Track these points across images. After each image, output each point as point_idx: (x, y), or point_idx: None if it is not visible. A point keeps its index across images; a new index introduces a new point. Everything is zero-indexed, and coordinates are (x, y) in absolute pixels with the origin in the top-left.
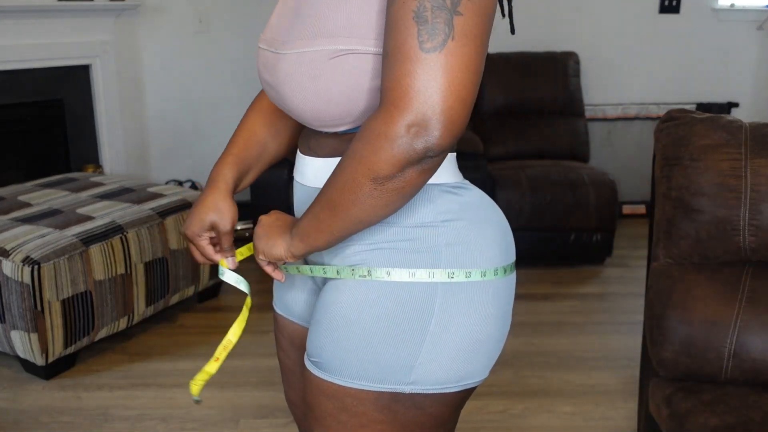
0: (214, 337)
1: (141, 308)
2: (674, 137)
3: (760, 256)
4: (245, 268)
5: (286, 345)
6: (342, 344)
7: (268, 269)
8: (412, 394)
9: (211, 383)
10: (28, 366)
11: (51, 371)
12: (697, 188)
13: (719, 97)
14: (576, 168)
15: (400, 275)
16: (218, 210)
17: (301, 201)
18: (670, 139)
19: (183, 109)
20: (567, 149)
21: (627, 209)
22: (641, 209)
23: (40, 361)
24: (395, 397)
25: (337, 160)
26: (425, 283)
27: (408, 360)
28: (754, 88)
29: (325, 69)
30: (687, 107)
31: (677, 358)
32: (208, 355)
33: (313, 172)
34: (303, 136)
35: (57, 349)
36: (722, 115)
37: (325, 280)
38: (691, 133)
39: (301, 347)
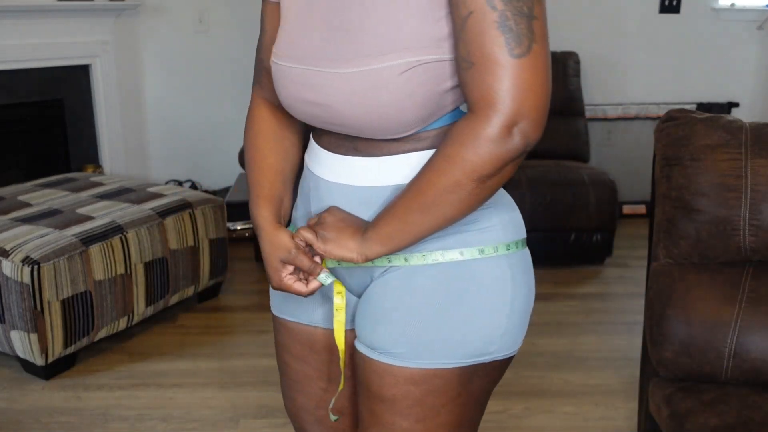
0: (214, 337)
1: (141, 308)
2: (674, 137)
3: (760, 256)
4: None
5: (301, 352)
6: (427, 328)
7: (298, 286)
8: (490, 362)
9: (211, 383)
10: (27, 366)
11: (51, 371)
12: (697, 188)
13: (719, 97)
14: (576, 168)
15: (472, 253)
16: (277, 247)
17: (334, 200)
18: (670, 139)
19: (183, 109)
20: (567, 149)
21: (627, 209)
22: (641, 209)
23: (39, 361)
24: (475, 369)
25: (393, 159)
26: (494, 257)
27: (493, 331)
28: (754, 88)
29: (397, 83)
30: (687, 107)
31: (677, 358)
32: (208, 355)
33: (360, 172)
34: (332, 135)
35: (57, 349)
36: (722, 115)
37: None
38: (691, 133)
39: (323, 350)
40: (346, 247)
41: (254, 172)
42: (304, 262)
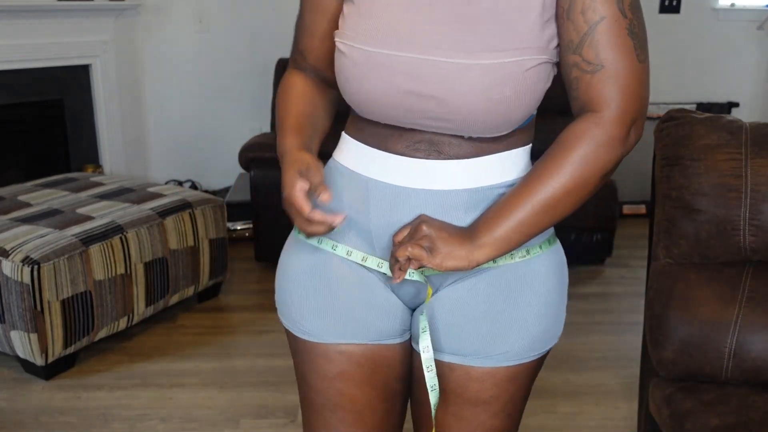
0: (214, 337)
1: (141, 308)
2: (674, 137)
3: (761, 256)
4: (245, 268)
5: (366, 376)
6: (522, 326)
7: (305, 205)
8: (550, 348)
9: (211, 383)
10: (28, 366)
11: (51, 371)
12: (697, 188)
13: (719, 97)
14: None
15: (556, 243)
16: (297, 160)
17: (414, 207)
18: (670, 139)
19: (183, 109)
20: None
21: (627, 209)
22: (641, 209)
23: (39, 361)
24: (545, 356)
25: (482, 160)
26: (547, 252)
27: (556, 321)
28: (754, 88)
29: (521, 79)
30: (687, 107)
31: (677, 358)
32: (208, 355)
33: (446, 175)
34: (407, 138)
35: (57, 350)
36: (722, 115)
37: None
38: (691, 133)
39: (393, 366)
40: (457, 257)
41: (285, 115)
42: (316, 177)
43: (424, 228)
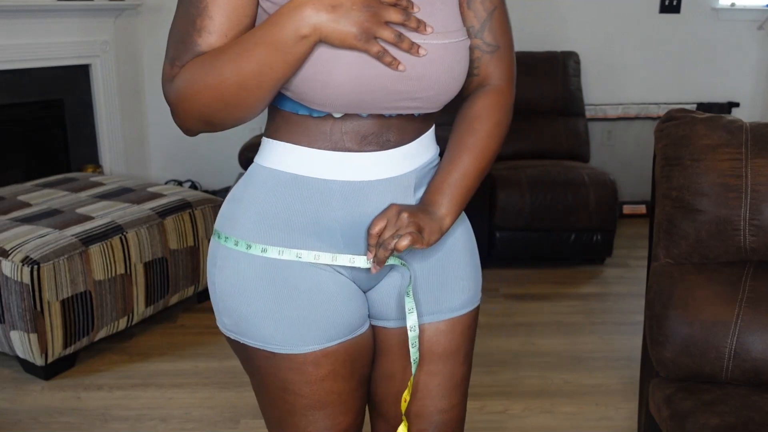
0: (214, 337)
1: (141, 308)
2: (674, 137)
3: (761, 256)
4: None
5: (350, 369)
6: (474, 274)
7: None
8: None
9: (211, 383)
10: (27, 366)
11: (51, 371)
12: (697, 188)
13: (719, 97)
14: (576, 168)
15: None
16: None
17: (382, 197)
18: (670, 139)
19: None
20: (567, 149)
21: (627, 209)
22: (641, 209)
23: (39, 361)
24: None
25: (421, 139)
26: (463, 214)
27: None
28: (754, 88)
29: (466, 57)
30: (687, 107)
31: (677, 358)
32: (208, 355)
33: (401, 160)
34: (357, 133)
35: (56, 350)
36: (722, 115)
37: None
38: (692, 133)
39: (368, 353)
40: (434, 231)
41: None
42: None
43: (405, 216)
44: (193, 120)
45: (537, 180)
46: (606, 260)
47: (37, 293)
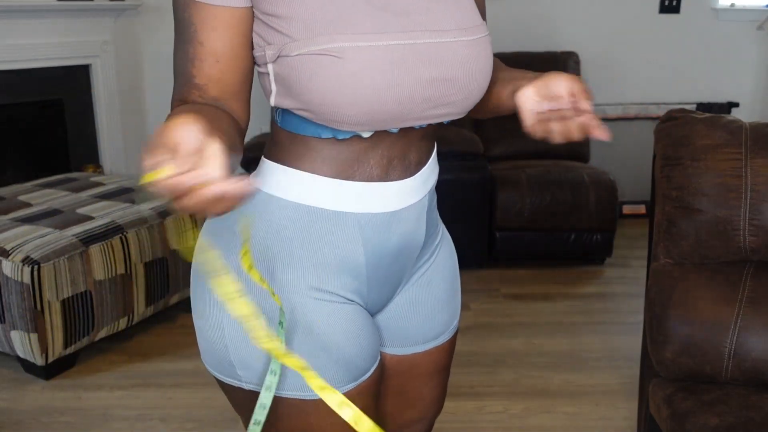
0: None
1: (141, 308)
2: (674, 137)
3: (761, 256)
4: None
5: (375, 397)
6: (457, 299)
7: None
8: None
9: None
10: (28, 366)
11: (51, 371)
12: (697, 188)
13: (719, 97)
14: (576, 168)
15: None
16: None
17: (414, 221)
18: (670, 139)
19: None
20: (567, 149)
21: (627, 209)
22: (641, 209)
23: (40, 361)
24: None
25: (430, 162)
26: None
27: None
28: (754, 88)
29: (491, 50)
30: (687, 107)
31: (677, 358)
32: None
33: (425, 181)
34: (387, 163)
35: (57, 350)
36: (722, 115)
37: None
38: (691, 133)
39: (381, 378)
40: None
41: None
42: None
43: (575, 82)
44: None
45: (537, 180)
46: (606, 260)
47: (37, 293)
